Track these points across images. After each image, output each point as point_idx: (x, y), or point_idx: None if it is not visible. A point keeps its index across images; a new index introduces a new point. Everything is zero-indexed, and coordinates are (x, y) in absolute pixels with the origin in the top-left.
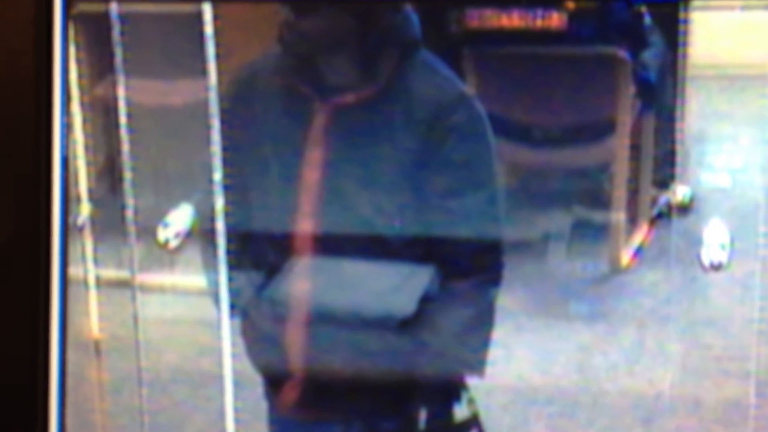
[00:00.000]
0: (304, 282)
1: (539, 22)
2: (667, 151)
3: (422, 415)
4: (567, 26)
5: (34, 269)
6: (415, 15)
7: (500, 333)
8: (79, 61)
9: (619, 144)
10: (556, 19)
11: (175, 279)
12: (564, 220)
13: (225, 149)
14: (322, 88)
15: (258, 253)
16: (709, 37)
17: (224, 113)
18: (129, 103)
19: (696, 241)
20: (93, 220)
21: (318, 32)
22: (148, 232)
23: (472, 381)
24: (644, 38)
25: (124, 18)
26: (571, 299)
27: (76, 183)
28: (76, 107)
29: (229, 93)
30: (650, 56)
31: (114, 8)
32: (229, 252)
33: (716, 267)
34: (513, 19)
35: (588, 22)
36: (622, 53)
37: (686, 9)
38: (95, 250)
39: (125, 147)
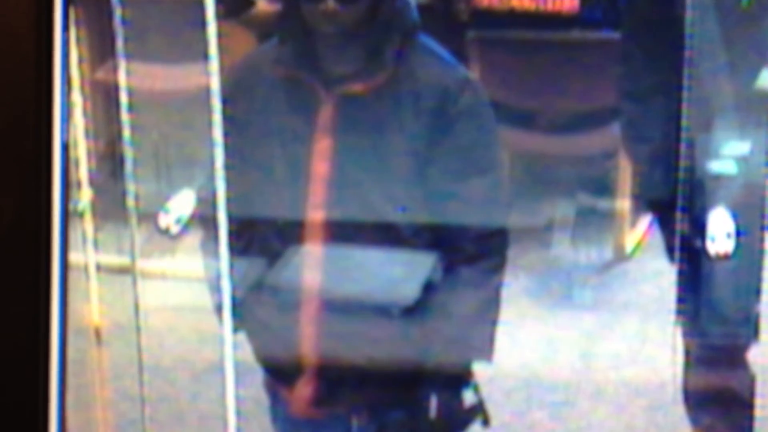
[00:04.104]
0: (308, 270)
1: (549, 5)
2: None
3: (432, 403)
4: (578, 10)
5: (35, 255)
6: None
7: (504, 320)
8: (79, 46)
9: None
10: (567, 3)
11: (176, 265)
12: (569, 207)
13: (228, 139)
14: (326, 78)
15: (262, 241)
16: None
17: (225, 104)
18: (130, 88)
19: (701, 230)
20: (93, 205)
21: (320, 21)
22: (149, 218)
23: (476, 368)
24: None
25: (125, 2)
26: (575, 287)
27: (77, 168)
28: (76, 92)
29: (230, 85)
30: None
31: None
32: (231, 239)
33: (722, 256)
34: (523, 1)
35: (599, 5)
36: None
37: None
38: (96, 236)
39: (126, 132)
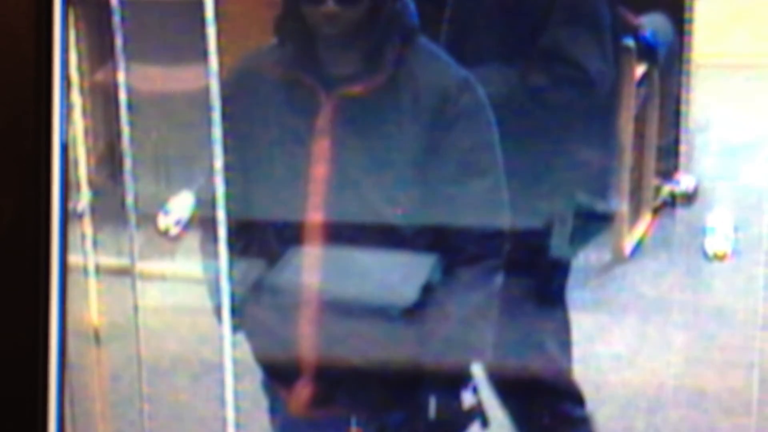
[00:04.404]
0: (307, 272)
1: None
2: (672, 140)
3: (431, 404)
4: None
5: (34, 256)
6: (412, 2)
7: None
8: (79, 47)
9: (623, 132)
10: None
11: (175, 266)
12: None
13: (226, 140)
14: (325, 79)
15: (261, 242)
16: (715, 24)
17: (225, 105)
18: (129, 90)
19: (700, 231)
20: (93, 207)
21: (320, 22)
22: (148, 219)
23: (475, 369)
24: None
25: (124, 2)
26: (573, 288)
27: (76, 169)
28: (75, 94)
29: (229, 86)
30: (657, 36)
31: None
32: (230, 241)
33: (720, 257)
34: None
35: None
36: (627, 41)
37: None
38: (95, 237)
39: (125, 133)
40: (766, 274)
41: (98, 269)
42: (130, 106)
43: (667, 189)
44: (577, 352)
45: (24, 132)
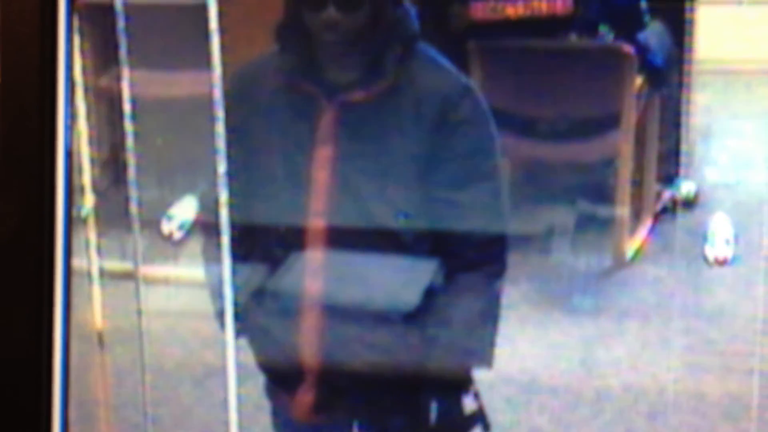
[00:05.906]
0: (309, 277)
1: (544, 10)
2: (672, 146)
3: (433, 409)
4: (572, 11)
5: (38, 260)
6: (413, 8)
7: (504, 326)
8: (83, 53)
9: (624, 138)
10: (561, 5)
11: (178, 271)
12: (568, 214)
13: (229, 147)
14: (327, 86)
15: (264, 248)
16: (714, 32)
17: (227, 112)
18: (133, 95)
19: (700, 236)
20: (97, 211)
21: (321, 29)
22: (152, 224)
23: (477, 374)
24: (645, 21)
25: (128, 9)
26: (575, 293)
27: (80, 174)
28: (80, 99)
29: (232, 93)
30: (656, 46)
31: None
32: (233, 246)
33: (721, 262)
34: (518, 8)
35: (593, 4)
36: (628, 48)
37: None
38: (99, 241)
39: (129, 139)
40: (766, 279)
41: (102, 273)
42: (133, 113)
43: (667, 194)
44: (578, 356)
45: (28, 137)
